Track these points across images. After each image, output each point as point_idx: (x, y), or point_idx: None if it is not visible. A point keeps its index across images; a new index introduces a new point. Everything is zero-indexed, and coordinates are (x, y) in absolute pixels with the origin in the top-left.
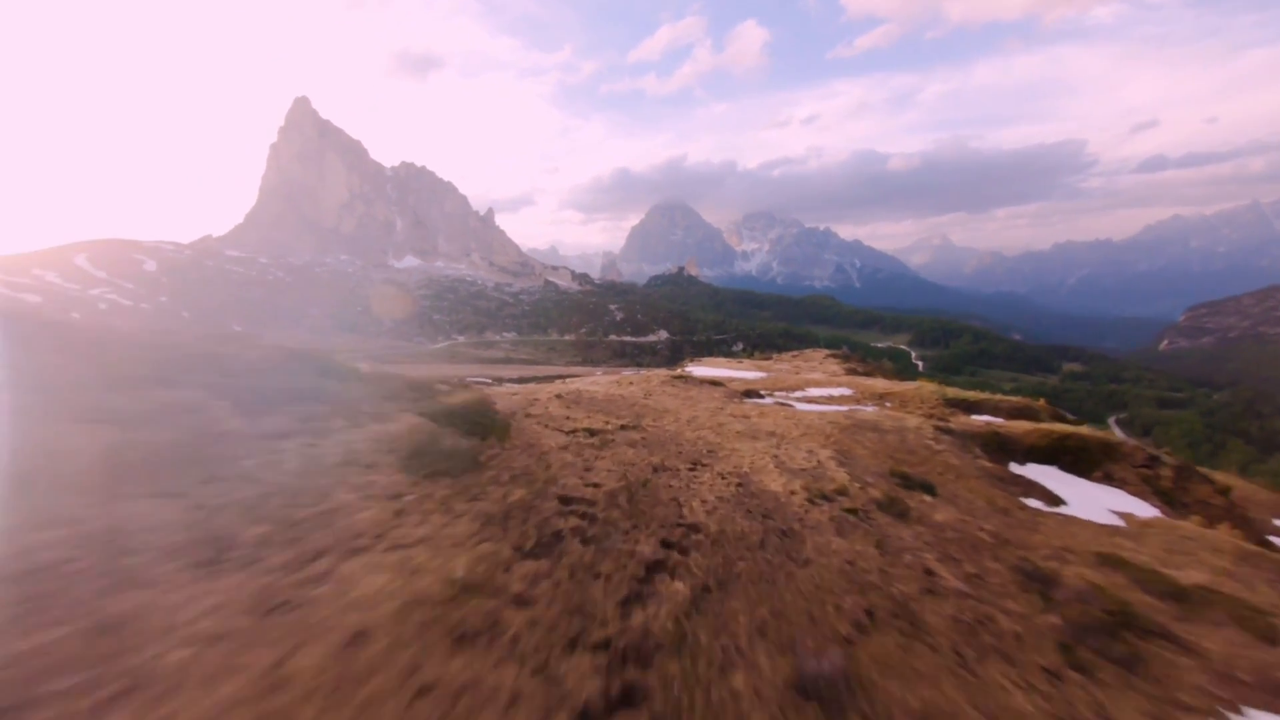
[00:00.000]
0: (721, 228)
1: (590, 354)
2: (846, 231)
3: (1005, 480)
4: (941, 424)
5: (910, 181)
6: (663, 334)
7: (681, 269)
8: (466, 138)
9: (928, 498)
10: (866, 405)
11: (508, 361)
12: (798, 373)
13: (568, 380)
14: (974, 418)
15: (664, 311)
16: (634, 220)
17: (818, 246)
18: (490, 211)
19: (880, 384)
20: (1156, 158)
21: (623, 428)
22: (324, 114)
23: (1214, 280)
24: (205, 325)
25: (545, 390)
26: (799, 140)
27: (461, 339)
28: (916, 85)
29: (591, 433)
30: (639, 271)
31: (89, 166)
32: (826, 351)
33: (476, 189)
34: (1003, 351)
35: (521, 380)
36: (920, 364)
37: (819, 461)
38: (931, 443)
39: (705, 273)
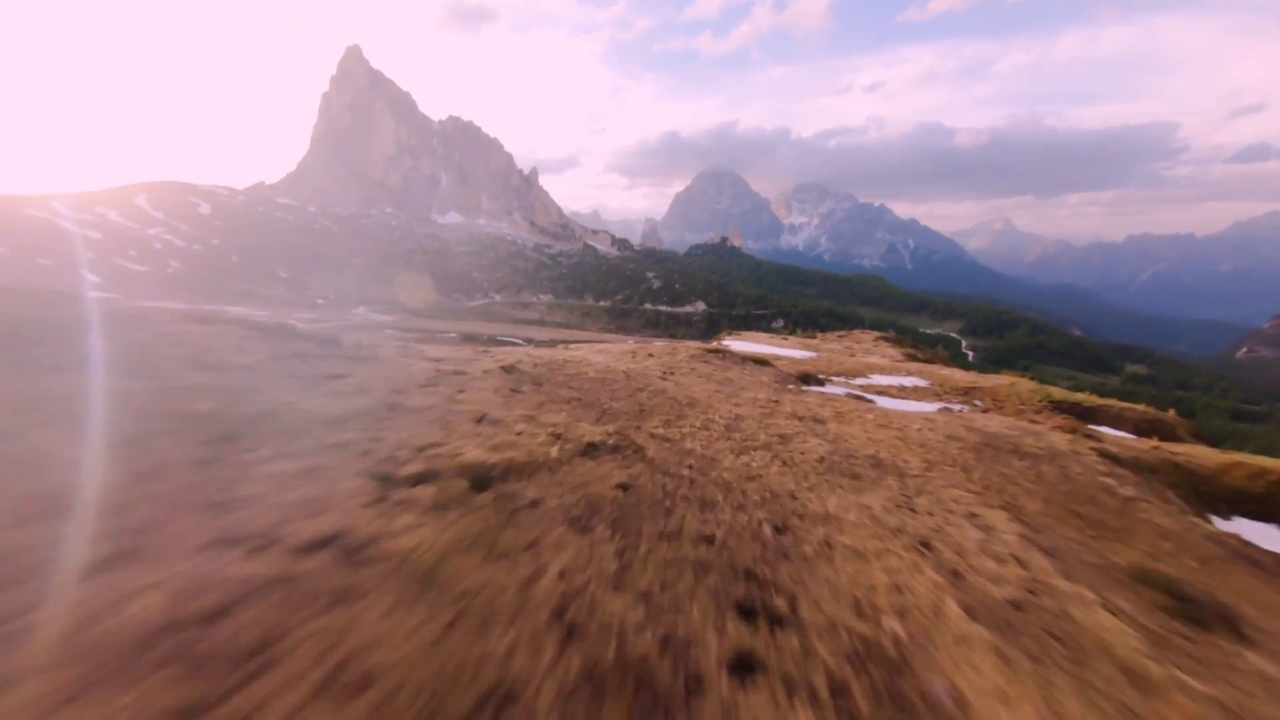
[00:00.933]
0: (770, 198)
1: (624, 322)
2: (903, 209)
3: (1267, 568)
4: (1098, 446)
5: (977, 159)
6: (700, 305)
7: (724, 239)
8: (515, 95)
9: (1251, 655)
10: (954, 403)
11: (541, 323)
12: (852, 355)
13: (571, 346)
14: (1095, 429)
15: (703, 282)
16: (679, 187)
17: (870, 223)
18: (534, 171)
19: (959, 375)
20: (1259, 146)
21: (591, 448)
22: (375, 64)
23: None
24: (251, 268)
25: (496, 358)
26: (859, 109)
27: (498, 298)
28: (993, 54)
29: (480, 483)
30: (681, 240)
31: (159, 109)
32: (877, 334)
33: (522, 148)
34: (1060, 347)
35: (551, 343)
36: (971, 354)
37: (1017, 557)
38: (1110, 481)
39: (750, 244)
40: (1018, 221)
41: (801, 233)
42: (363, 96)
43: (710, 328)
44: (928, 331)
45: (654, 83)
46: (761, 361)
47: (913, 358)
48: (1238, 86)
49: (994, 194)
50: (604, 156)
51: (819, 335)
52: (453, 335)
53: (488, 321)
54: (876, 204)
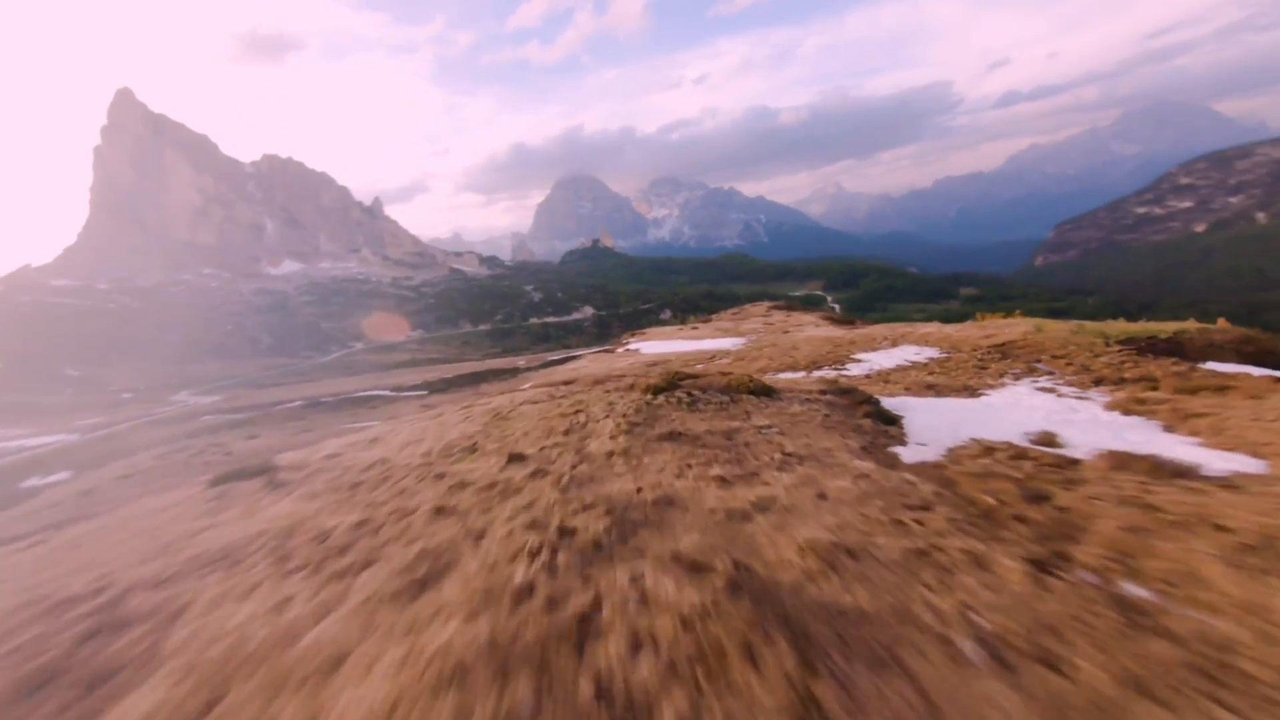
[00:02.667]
0: (629, 196)
1: (510, 343)
2: (749, 189)
3: None
4: None
5: (802, 134)
6: (587, 310)
7: (595, 242)
8: (342, 125)
9: None
10: (1029, 377)
11: (413, 364)
12: (786, 332)
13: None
14: (1205, 368)
15: (584, 287)
16: (539, 197)
17: (723, 206)
18: (378, 201)
19: (954, 332)
20: (1011, 93)
21: None
22: (158, 108)
23: (1069, 201)
24: (25, 373)
25: None
26: (692, 101)
27: (359, 345)
28: (796, 39)
29: None
30: (552, 250)
31: None
32: (766, 304)
33: (361, 180)
34: (905, 285)
35: (427, 386)
36: (836, 306)
37: None
38: None
39: (620, 243)
40: (846, 184)
41: (665, 225)
42: (146, 146)
43: (602, 331)
44: (796, 294)
45: (490, 96)
46: (762, 390)
47: (831, 320)
48: (988, 46)
49: (822, 162)
50: (453, 177)
51: (711, 318)
52: (295, 403)
53: (347, 376)
54: (726, 188)
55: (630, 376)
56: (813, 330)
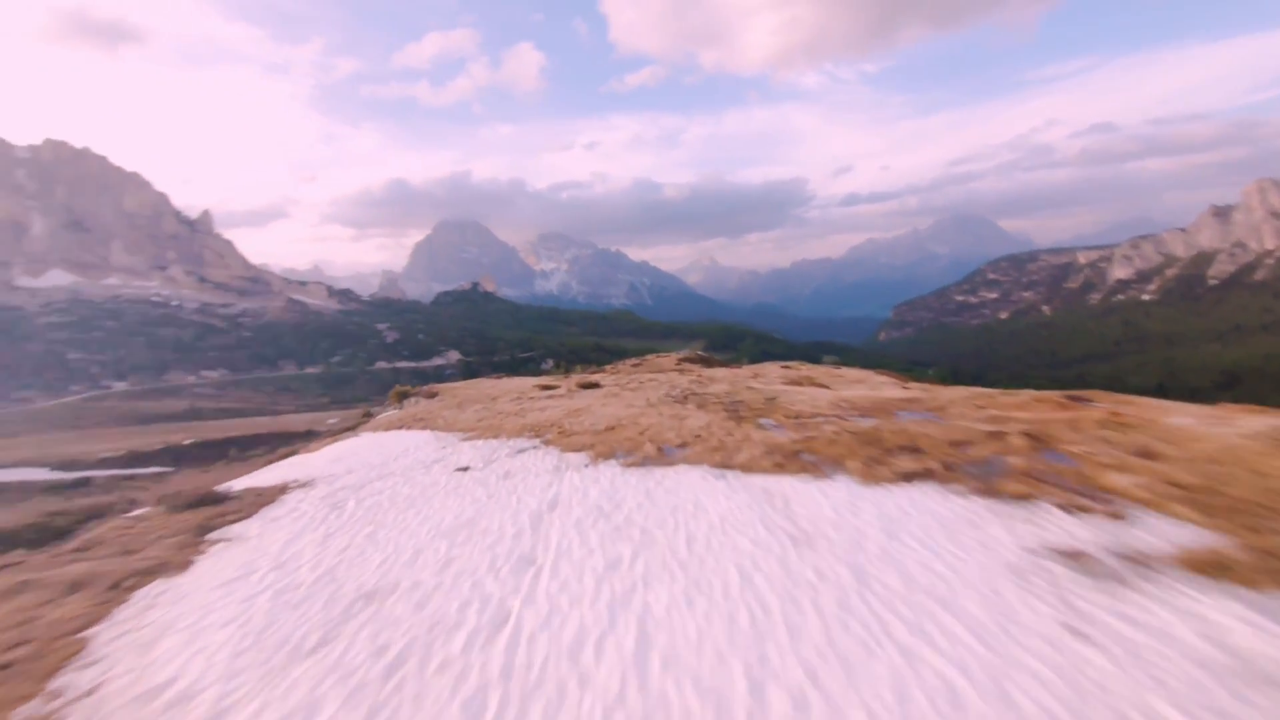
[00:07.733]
0: (518, 247)
1: (345, 391)
2: (635, 253)
3: None
4: None
5: (683, 209)
6: (453, 355)
7: (476, 285)
8: (187, 135)
9: None
10: None
11: (191, 417)
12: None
13: None
14: None
15: (455, 330)
16: (418, 237)
17: (612, 266)
18: (206, 215)
19: None
20: (853, 195)
21: None
22: None
23: (899, 288)
24: None
25: None
26: (583, 165)
27: (124, 384)
28: (681, 126)
29: None
30: (428, 291)
31: None
32: (677, 355)
33: (204, 197)
34: (778, 350)
35: (131, 458)
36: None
37: None
38: None
39: (506, 291)
40: (719, 258)
41: (553, 278)
42: None
43: (470, 379)
44: (683, 354)
45: (376, 131)
46: None
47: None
48: (836, 154)
49: (699, 237)
50: (318, 206)
51: (606, 369)
52: None
53: (69, 430)
54: (614, 249)
55: None
56: (857, 390)
